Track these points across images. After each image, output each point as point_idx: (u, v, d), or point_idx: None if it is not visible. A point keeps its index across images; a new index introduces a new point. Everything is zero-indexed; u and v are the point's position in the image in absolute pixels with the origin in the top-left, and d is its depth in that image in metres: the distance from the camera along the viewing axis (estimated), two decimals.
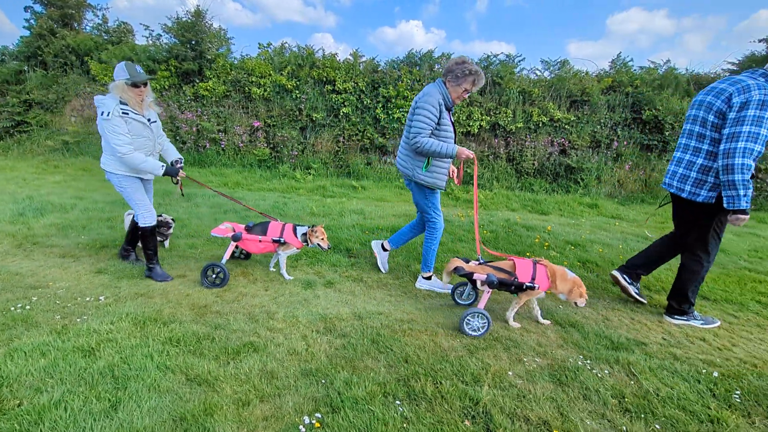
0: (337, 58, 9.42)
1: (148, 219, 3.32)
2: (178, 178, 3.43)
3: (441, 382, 2.16)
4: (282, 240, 3.35)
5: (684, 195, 2.94)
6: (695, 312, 3.14)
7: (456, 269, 2.88)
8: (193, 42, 9.26)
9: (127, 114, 3.02)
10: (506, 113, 8.38)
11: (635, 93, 8.08)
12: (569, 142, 8.19)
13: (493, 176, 8.26)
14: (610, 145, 8.11)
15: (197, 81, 9.37)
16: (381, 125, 8.88)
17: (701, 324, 3.07)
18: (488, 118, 8.48)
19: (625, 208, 7.03)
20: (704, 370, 2.41)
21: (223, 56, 9.66)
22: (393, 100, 8.71)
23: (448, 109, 3.11)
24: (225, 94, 9.31)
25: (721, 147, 2.68)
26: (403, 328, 2.74)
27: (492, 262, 2.95)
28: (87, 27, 11.02)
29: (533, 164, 8.20)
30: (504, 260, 2.94)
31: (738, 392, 2.21)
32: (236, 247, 3.61)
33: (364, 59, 9.56)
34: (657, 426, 1.95)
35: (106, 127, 2.96)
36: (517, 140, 8.42)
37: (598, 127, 8.15)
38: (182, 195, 4.53)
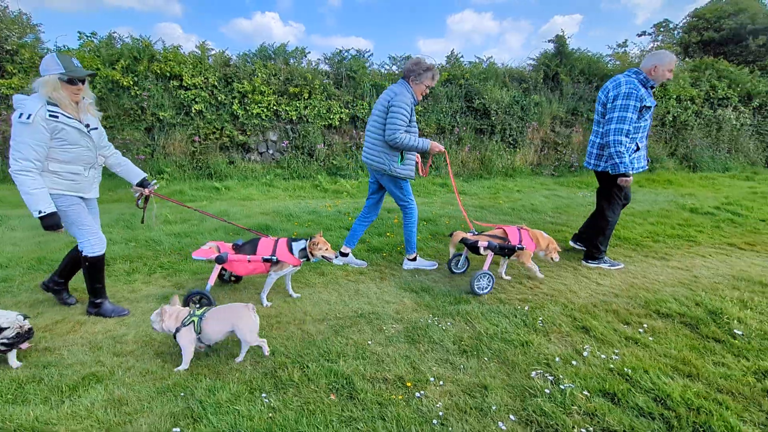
0: (182, 51, 8.61)
1: (96, 247, 2.74)
2: (142, 199, 3.00)
3: (308, 366, 2.27)
4: (275, 258, 2.93)
5: (591, 167, 3.95)
6: (606, 257, 4.02)
7: (462, 240, 3.49)
8: None
9: (57, 118, 2.42)
10: (363, 105, 8.80)
11: (467, 85, 9.29)
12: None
13: (358, 166, 8.63)
14: (452, 130, 9.20)
15: None
16: (240, 122, 8.47)
17: (608, 266, 3.96)
18: (347, 110, 8.79)
19: (468, 185, 8.11)
20: (519, 307, 3.03)
21: (31, 47, 7.98)
22: (250, 95, 8.36)
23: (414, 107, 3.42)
24: None
25: (602, 129, 3.69)
26: (270, 323, 2.78)
27: (484, 232, 3.57)
28: None
29: None
30: (492, 230, 3.59)
31: (541, 319, 2.84)
32: (223, 269, 3.04)
33: (213, 52, 8.93)
34: (486, 358, 2.39)
35: (17, 131, 2.36)
36: None
37: (441, 115, 9.15)
38: (142, 222, 3.44)
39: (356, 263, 3.92)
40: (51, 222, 2.47)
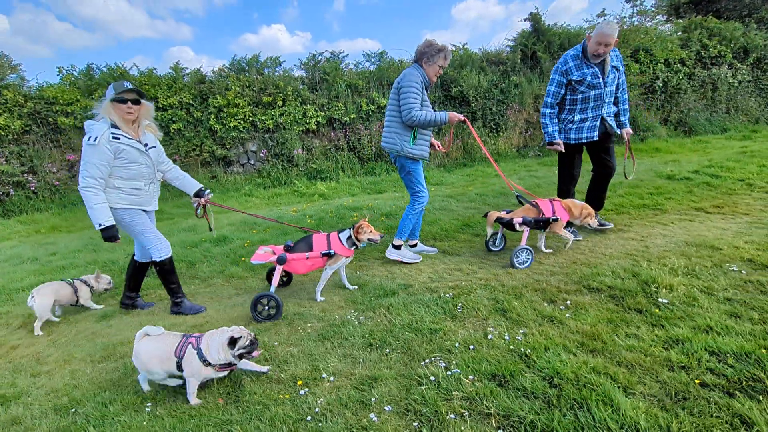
0: (156, 73, 8.84)
1: (163, 251, 3.03)
2: (200, 208, 3.26)
3: None
4: (332, 252, 3.06)
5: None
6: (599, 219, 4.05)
7: (498, 219, 3.62)
8: None
9: (119, 139, 2.73)
10: (338, 107, 8.81)
11: (442, 74, 9.16)
12: None
13: (338, 167, 8.66)
14: None
15: None
16: (219, 136, 8.63)
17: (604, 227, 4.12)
18: (323, 113, 8.82)
19: (449, 174, 8.00)
20: (444, 295, 2.97)
21: (14, 86, 8.35)
22: (225, 109, 8.51)
23: (426, 88, 3.49)
24: (24, 130, 8.08)
25: None
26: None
27: (514, 210, 3.72)
28: None
29: (372, 150, 8.80)
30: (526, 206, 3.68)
31: (461, 305, 2.79)
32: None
33: (188, 70, 9.13)
34: (389, 350, 2.37)
35: (86, 152, 2.66)
36: (354, 130, 8.93)
37: None
38: (210, 230, 3.54)
39: (428, 250, 4.01)
40: (109, 234, 2.77)
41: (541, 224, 3.57)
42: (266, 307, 2.90)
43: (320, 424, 1.84)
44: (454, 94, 9.09)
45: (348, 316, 2.82)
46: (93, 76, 8.67)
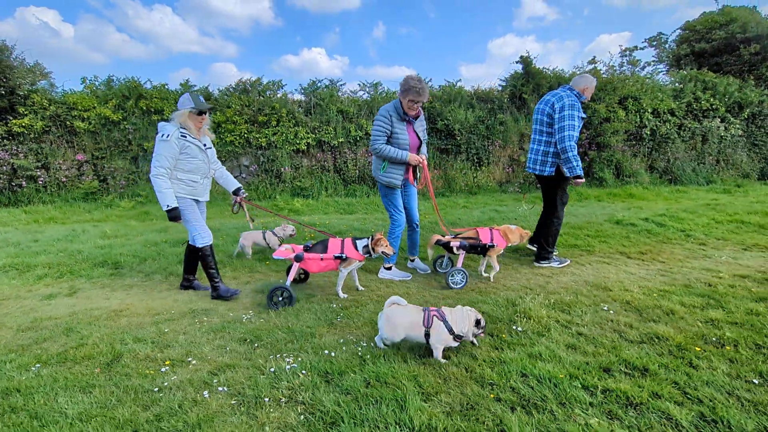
0: (168, 88, 9.68)
1: (206, 239, 3.55)
2: (236, 205, 3.87)
3: (110, 346, 2.68)
4: (344, 256, 3.42)
5: (537, 172, 4.25)
6: (555, 257, 4.33)
7: (437, 241, 3.88)
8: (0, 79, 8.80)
9: (186, 138, 3.35)
10: (328, 131, 9.38)
11: (429, 107, 9.66)
12: None
13: (322, 186, 9.14)
14: None
15: (10, 118, 8.89)
16: (216, 149, 9.29)
17: (558, 265, 4.25)
18: (313, 135, 9.40)
19: (422, 202, 8.33)
20: (334, 306, 3.29)
21: (42, 91, 9.30)
22: (223, 125, 9.20)
23: (406, 120, 3.75)
24: (45, 130, 8.96)
25: (556, 137, 3.98)
26: (110, 315, 3.23)
27: (459, 235, 3.96)
28: None
29: (356, 172, 9.27)
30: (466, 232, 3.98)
31: (341, 316, 3.10)
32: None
33: (196, 88, 9.93)
34: (257, 345, 2.69)
35: (158, 146, 3.25)
36: (341, 153, 9.44)
37: None
38: (252, 221, 4.18)
39: (398, 276, 4.09)
40: (174, 214, 3.35)
41: (478, 249, 3.85)
42: (280, 298, 3.33)
43: (161, 395, 2.18)
44: (440, 127, 9.53)
45: (244, 316, 3.17)
46: (112, 86, 9.58)
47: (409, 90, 3.62)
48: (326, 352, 2.58)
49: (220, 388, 2.22)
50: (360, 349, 2.60)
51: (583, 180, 4.12)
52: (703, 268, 4.05)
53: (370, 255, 3.47)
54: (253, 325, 3.01)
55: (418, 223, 4.24)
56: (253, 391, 2.19)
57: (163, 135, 3.27)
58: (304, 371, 2.35)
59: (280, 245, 4.23)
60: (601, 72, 10.38)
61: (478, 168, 9.68)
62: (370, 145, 3.81)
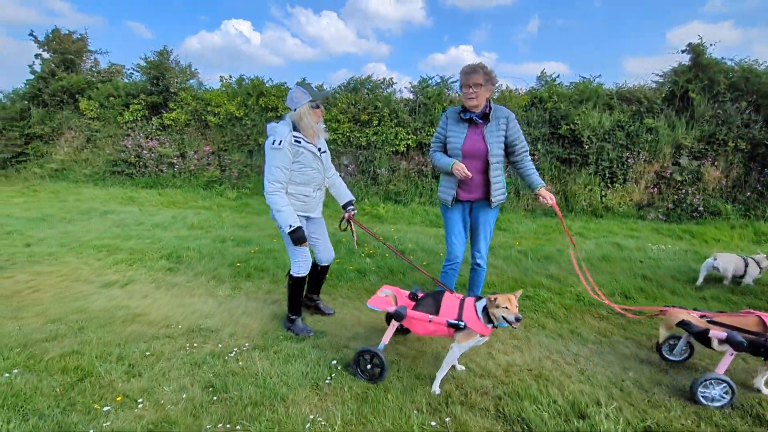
0: (286, 86, 10.16)
1: (302, 269, 2.95)
2: (344, 221, 3.18)
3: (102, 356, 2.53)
4: (462, 324, 2.32)
5: None
6: None
7: (682, 323, 2.42)
8: (159, 78, 10.40)
9: (299, 143, 2.72)
10: (431, 132, 8.61)
11: (552, 108, 8.04)
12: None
13: (417, 192, 8.46)
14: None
15: (164, 112, 10.46)
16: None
17: None
18: (414, 137, 8.76)
19: (528, 221, 6.96)
20: (329, 360, 2.61)
21: (189, 89, 10.70)
22: (327, 123, 9.23)
23: (465, 121, 2.85)
24: (186, 123, 10.31)
25: None
26: (127, 319, 3.15)
27: (720, 314, 2.47)
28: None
29: None
30: (726, 313, 2.50)
31: (329, 378, 2.39)
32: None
33: (314, 85, 10.22)
34: (215, 398, 2.20)
35: (270, 156, 2.68)
36: None
37: None
38: (356, 248, 3.69)
39: None
40: (299, 235, 2.73)
41: (762, 350, 2.23)
42: (369, 365, 2.41)
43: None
44: (563, 132, 7.88)
45: (235, 350, 2.74)
46: (242, 85, 10.48)
47: (461, 72, 2.82)
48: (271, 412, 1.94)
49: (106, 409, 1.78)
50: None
51: None
52: None
53: (493, 325, 2.29)
54: (231, 366, 2.53)
55: (479, 263, 3.14)
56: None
57: (273, 141, 2.65)
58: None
59: (759, 276, 3.79)
60: None
61: (609, 185, 7.74)
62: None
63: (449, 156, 2.92)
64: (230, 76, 10.72)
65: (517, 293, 2.31)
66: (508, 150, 2.97)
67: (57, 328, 3.01)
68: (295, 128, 2.74)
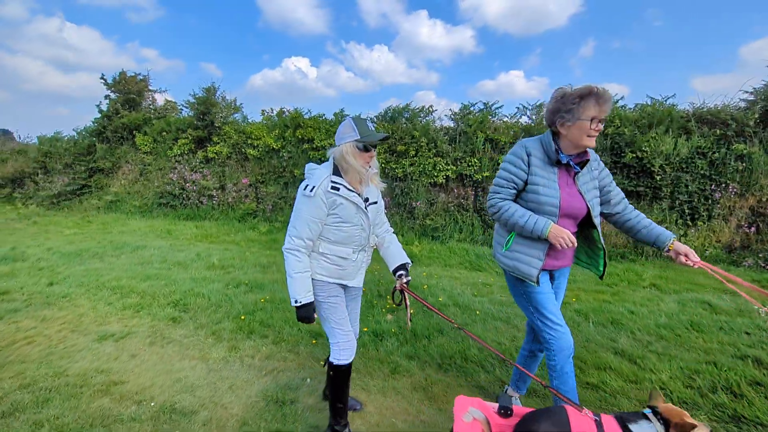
0: (325, 117, 10.01)
1: (344, 353, 2.24)
2: (397, 293, 2.35)
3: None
4: None
5: None
6: None
7: None
8: (205, 113, 10.71)
9: (338, 190, 2.10)
10: (472, 162, 7.91)
11: (614, 134, 7.02)
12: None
13: (456, 227, 7.70)
14: None
15: (208, 145, 10.70)
16: None
17: None
18: (454, 167, 8.08)
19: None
20: None
21: (233, 123, 10.91)
22: None
23: (558, 164, 2.14)
24: (228, 156, 10.44)
25: None
26: (102, 388, 2.73)
27: None
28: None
29: None
30: None
31: None
32: None
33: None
34: None
35: (299, 204, 2.12)
36: (485, 190, 7.81)
37: None
38: (410, 323, 2.70)
39: None
40: (305, 314, 2.13)
41: None
42: None
43: None
44: (628, 160, 6.82)
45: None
46: (282, 117, 10.49)
47: (580, 103, 1.99)
48: None
49: None
50: None
51: None
52: None
53: None
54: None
55: (547, 345, 2.19)
56: None
57: (306, 187, 2.09)
58: None
59: None
60: None
61: (690, 224, 6.50)
62: (487, 201, 2.30)
63: (528, 211, 2.13)
64: (272, 109, 10.82)
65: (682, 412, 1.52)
66: (603, 200, 2.26)
67: (21, 399, 2.64)
68: (337, 172, 2.15)
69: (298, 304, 2.10)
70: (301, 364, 3.21)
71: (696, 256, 2.05)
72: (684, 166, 6.57)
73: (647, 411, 1.63)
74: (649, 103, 7.44)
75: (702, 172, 6.46)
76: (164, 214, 10.15)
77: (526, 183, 2.15)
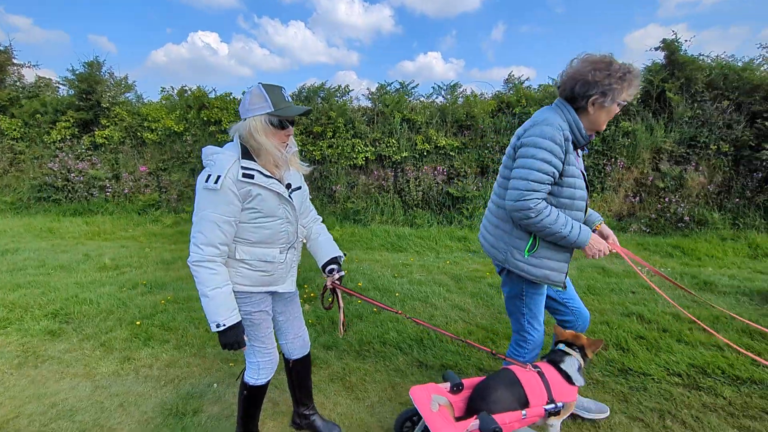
0: (233, 97, 9.22)
1: (262, 375, 1.93)
2: (328, 293, 2.02)
3: None
4: (560, 405, 1.81)
5: None
6: None
7: None
8: (89, 92, 9.27)
9: (252, 178, 1.64)
10: (390, 143, 7.86)
11: (521, 113, 7.44)
12: (454, 169, 7.56)
13: (378, 209, 7.65)
14: (497, 170, 7.43)
15: (96, 129, 9.32)
16: None
17: None
18: (373, 148, 7.98)
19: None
20: None
21: (124, 103, 9.60)
22: None
23: (579, 148, 1.91)
24: (121, 141, 9.21)
25: None
26: None
27: None
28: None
29: (418, 195, 7.57)
30: None
31: None
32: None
33: (260, 83, 9.33)
34: None
35: (201, 201, 1.63)
36: (404, 171, 7.84)
37: (486, 151, 7.50)
38: (342, 331, 2.16)
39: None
40: (231, 339, 1.67)
41: None
42: None
43: None
44: None
45: None
46: (184, 96, 9.45)
47: (622, 81, 1.73)
48: None
49: None
50: None
51: None
52: None
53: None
54: None
55: (524, 342, 2.14)
56: None
57: (208, 178, 1.60)
58: None
59: None
60: None
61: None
62: (509, 200, 1.81)
63: (567, 217, 1.82)
64: (172, 88, 9.71)
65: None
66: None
67: None
68: (247, 154, 1.68)
69: (222, 328, 1.64)
70: (207, 369, 2.90)
71: (617, 241, 2.07)
72: None
73: (562, 346, 1.99)
74: (552, 83, 7.96)
75: (596, 148, 7.11)
76: (45, 210, 8.72)
77: (559, 175, 1.79)
